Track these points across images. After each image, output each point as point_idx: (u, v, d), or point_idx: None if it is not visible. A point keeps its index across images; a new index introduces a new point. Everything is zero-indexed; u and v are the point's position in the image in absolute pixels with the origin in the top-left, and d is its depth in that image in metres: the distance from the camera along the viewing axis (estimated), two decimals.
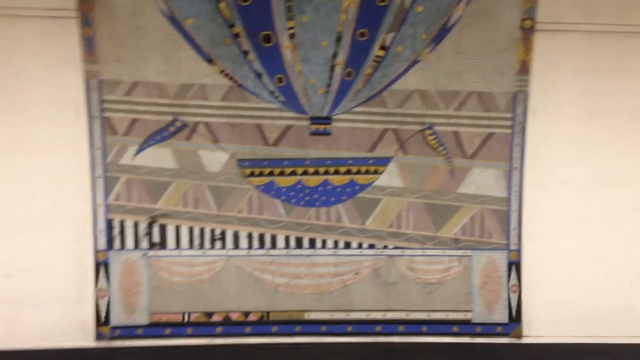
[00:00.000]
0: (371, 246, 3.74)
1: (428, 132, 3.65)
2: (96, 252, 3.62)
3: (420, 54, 3.55)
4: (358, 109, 3.61)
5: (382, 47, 3.52)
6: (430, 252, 3.76)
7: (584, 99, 3.64)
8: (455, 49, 3.55)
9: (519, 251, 3.76)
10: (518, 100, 3.63)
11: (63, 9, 3.39)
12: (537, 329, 3.79)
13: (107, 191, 3.59)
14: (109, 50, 3.45)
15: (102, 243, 3.62)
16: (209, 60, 3.48)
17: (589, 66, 3.61)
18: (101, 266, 3.63)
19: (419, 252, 3.75)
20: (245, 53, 3.47)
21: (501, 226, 3.74)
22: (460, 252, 3.76)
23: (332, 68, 3.53)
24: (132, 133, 3.55)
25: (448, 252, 3.76)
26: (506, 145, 3.67)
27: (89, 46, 3.43)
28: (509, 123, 3.65)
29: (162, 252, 3.66)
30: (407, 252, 3.75)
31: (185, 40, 3.45)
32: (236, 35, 3.44)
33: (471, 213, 3.74)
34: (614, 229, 3.75)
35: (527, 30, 3.54)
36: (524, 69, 3.59)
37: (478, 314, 3.79)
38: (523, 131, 3.66)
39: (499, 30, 3.53)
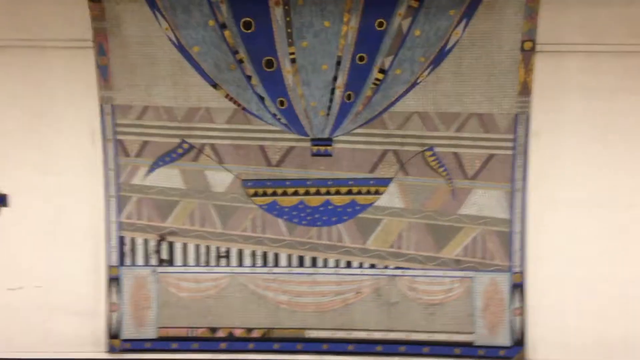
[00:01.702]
0: (372, 266, 3.78)
1: (428, 153, 3.69)
2: (109, 267, 3.81)
3: (419, 76, 3.61)
4: (358, 130, 3.69)
5: (381, 70, 3.60)
6: (432, 273, 3.77)
7: (587, 118, 3.60)
8: (454, 71, 3.59)
9: (522, 273, 3.72)
10: (519, 122, 3.62)
11: (83, 39, 3.62)
12: (543, 353, 3.73)
13: (120, 209, 3.79)
14: (122, 77, 3.66)
15: (115, 259, 3.81)
16: (215, 85, 3.65)
17: (592, 86, 3.57)
18: (113, 281, 3.82)
19: (420, 272, 3.77)
20: (249, 78, 3.62)
21: (504, 248, 3.72)
22: (462, 274, 3.76)
23: (333, 91, 3.63)
24: (143, 155, 3.74)
25: (450, 273, 3.76)
26: (508, 166, 3.67)
27: (104, 74, 3.66)
28: (510, 144, 3.65)
29: (170, 269, 3.82)
30: (409, 272, 3.78)
31: (192, 66, 3.62)
32: (240, 61, 3.59)
33: (473, 234, 3.73)
34: (622, 249, 3.67)
35: (528, 52, 3.55)
36: (525, 90, 3.59)
37: (480, 336, 3.76)
38: (525, 152, 3.65)
39: (499, 52, 3.56)
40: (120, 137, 3.74)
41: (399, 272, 3.78)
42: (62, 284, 3.82)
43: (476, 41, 3.55)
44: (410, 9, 3.50)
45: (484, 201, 3.70)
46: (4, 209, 3.83)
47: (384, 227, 3.76)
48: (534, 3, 3.47)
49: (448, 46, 3.56)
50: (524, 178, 3.67)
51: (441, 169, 3.70)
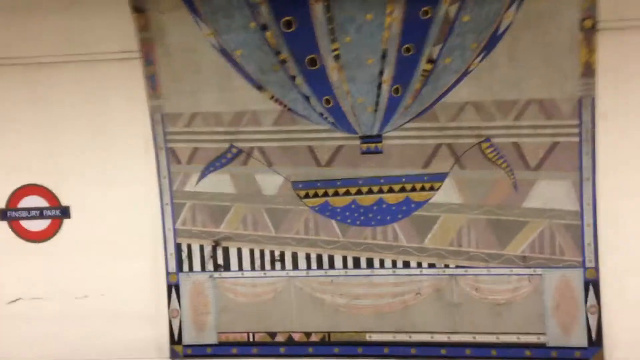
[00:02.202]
0: (431, 265, 3.62)
1: (485, 144, 3.48)
2: (167, 274, 3.85)
3: (471, 64, 3.40)
4: (409, 125, 3.53)
5: (430, 61, 3.42)
6: (496, 271, 3.56)
7: None
8: (509, 55, 3.37)
9: (596, 269, 3.44)
10: (584, 106, 3.35)
11: (130, 51, 3.67)
12: (622, 354, 3.44)
13: (175, 217, 3.82)
14: (169, 85, 3.68)
15: (173, 266, 3.85)
16: (259, 88, 3.60)
17: None
18: (173, 287, 3.86)
19: (484, 271, 3.57)
20: (293, 78, 3.55)
21: (574, 242, 3.46)
22: (529, 271, 3.52)
23: (379, 86, 3.49)
24: (194, 161, 3.76)
25: (516, 270, 3.54)
26: (574, 154, 3.40)
27: (152, 83, 3.69)
28: (575, 130, 3.38)
29: (226, 274, 3.81)
30: (471, 271, 3.58)
31: (236, 70, 3.59)
32: (283, 62, 3.52)
33: (540, 229, 3.49)
34: None
35: (589, 31, 3.27)
36: (588, 71, 3.31)
37: (553, 337, 3.52)
38: (592, 138, 3.37)
39: (556, 32, 3.30)
40: (171, 145, 3.76)
41: (460, 271, 3.60)
42: (124, 292, 3.90)
43: (531, 22, 3.30)
44: None
45: (550, 193, 3.45)
46: (66, 220, 3.95)
47: (441, 225, 3.59)
48: None
49: (500, 30, 3.34)
50: (593, 166, 3.39)
51: (500, 161, 3.48)
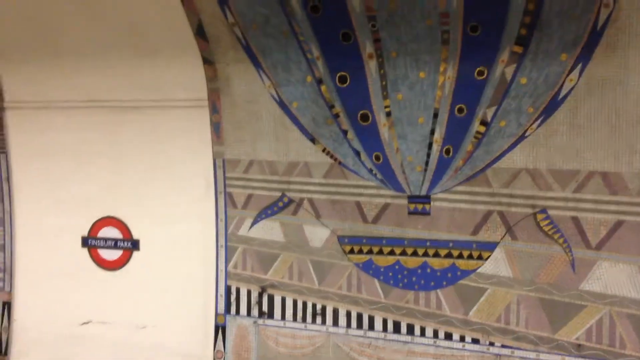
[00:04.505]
0: (475, 341, 3.37)
1: (541, 216, 3.21)
2: (216, 315, 3.95)
3: (527, 128, 3.19)
4: (459, 188, 3.37)
5: (483, 123, 3.26)
6: (546, 357, 3.23)
7: None
8: (570, 122, 3.11)
9: None
10: None
11: (199, 99, 3.90)
12: None
13: (228, 259, 3.93)
14: (232, 133, 3.84)
15: (221, 307, 3.94)
16: (312, 140, 3.64)
17: None
18: (220, 329, 3.94)
19: (532, 354, 3.26)
20: (345, 132, 3.55)
21: (638, 335, 3.04)
22: None
23: (430, 145, 3.38)
24: (248, 207, 3.86)
25: (568, 359, 3.18)
26: None
27: (217, 130, 3.88)
28: None
29: (269, 321, 3.83)
30: (518, 353, 3.28)
31: (292, 121, 3.66)
32: (336, 115, 3.54)
33: (598, 315, 3.13)
34: None
35: None
36: None
37: None
38: None
39: (624, 100, 2.99)
40: (229, 189, 3.90)
41: (506, 351, 3.31)
42: (175, 326, 4.05)
43: (595, 88, 3.02)
44: (514, 54, 3.12)
45: (612, 277, 3.09)
46: (136, 252, 4.22)
47: (488, 298, 3.34)
48: None
49: (561, 94, 3.10)
50: None
51: (557, 235, 3.19)
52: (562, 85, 3.08)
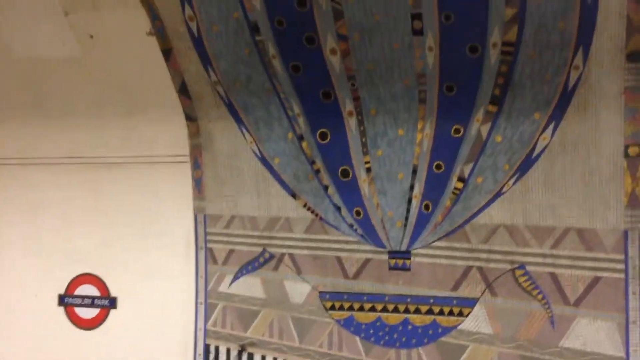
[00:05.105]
0: None
1: (519, 272, 3.23)
2: None
3: (504, 185, 3.25)
4: (438, 243, 3.39)
5: (461, 179, 3.31)
6: None
7: None
8: (545, 180, 3.17)
9: None
10: (630, 239, 3.02)
11: (182, 155, 3.94)
12: None
13: (207, 317, 3.87)
14: (213, 188, 3.87)
15: None
16: (294, 195, 3.67)
17: None
18: None
19: None
20: (326, 187, 3.58)
21: None
22: None
23: (410, 201, 3.42)
24: (229, 263, 3.84)
25: None
26: (619, 293, 3.04)
27: (198, 185, 3.90)
28: (620, 266, 3.04)
29: None
30: None
31: (273, 177, 3.70)
32: (317, 171, 3.59)
33: None
34: None
35: (634, 158, 3.01)
36: (635, 202, 3.01)
37: None
38: None
39: (597, 158, 3.06)
40: (210, 245, 3.89)
41: None
42: None
43: (568, 146, 3.11)
44: (488, 113, 3.22)
45: (591, 333, 3.08)
46: (113, 310, 4.15)
47: (470, 355, 3.31)
48: (634, 103, 2.95)
49: (535, 152, 3.17)
50: None
51: (536, 292, 3.20)
52: (536, 143, 3.16)
